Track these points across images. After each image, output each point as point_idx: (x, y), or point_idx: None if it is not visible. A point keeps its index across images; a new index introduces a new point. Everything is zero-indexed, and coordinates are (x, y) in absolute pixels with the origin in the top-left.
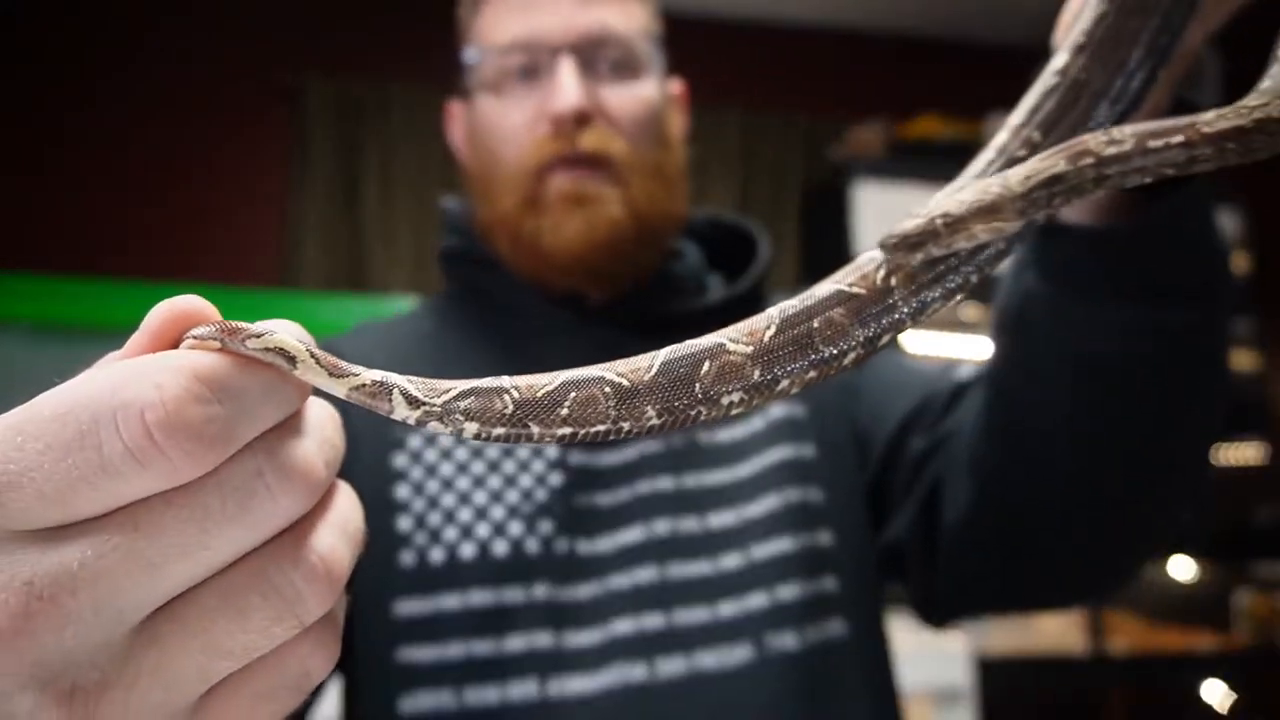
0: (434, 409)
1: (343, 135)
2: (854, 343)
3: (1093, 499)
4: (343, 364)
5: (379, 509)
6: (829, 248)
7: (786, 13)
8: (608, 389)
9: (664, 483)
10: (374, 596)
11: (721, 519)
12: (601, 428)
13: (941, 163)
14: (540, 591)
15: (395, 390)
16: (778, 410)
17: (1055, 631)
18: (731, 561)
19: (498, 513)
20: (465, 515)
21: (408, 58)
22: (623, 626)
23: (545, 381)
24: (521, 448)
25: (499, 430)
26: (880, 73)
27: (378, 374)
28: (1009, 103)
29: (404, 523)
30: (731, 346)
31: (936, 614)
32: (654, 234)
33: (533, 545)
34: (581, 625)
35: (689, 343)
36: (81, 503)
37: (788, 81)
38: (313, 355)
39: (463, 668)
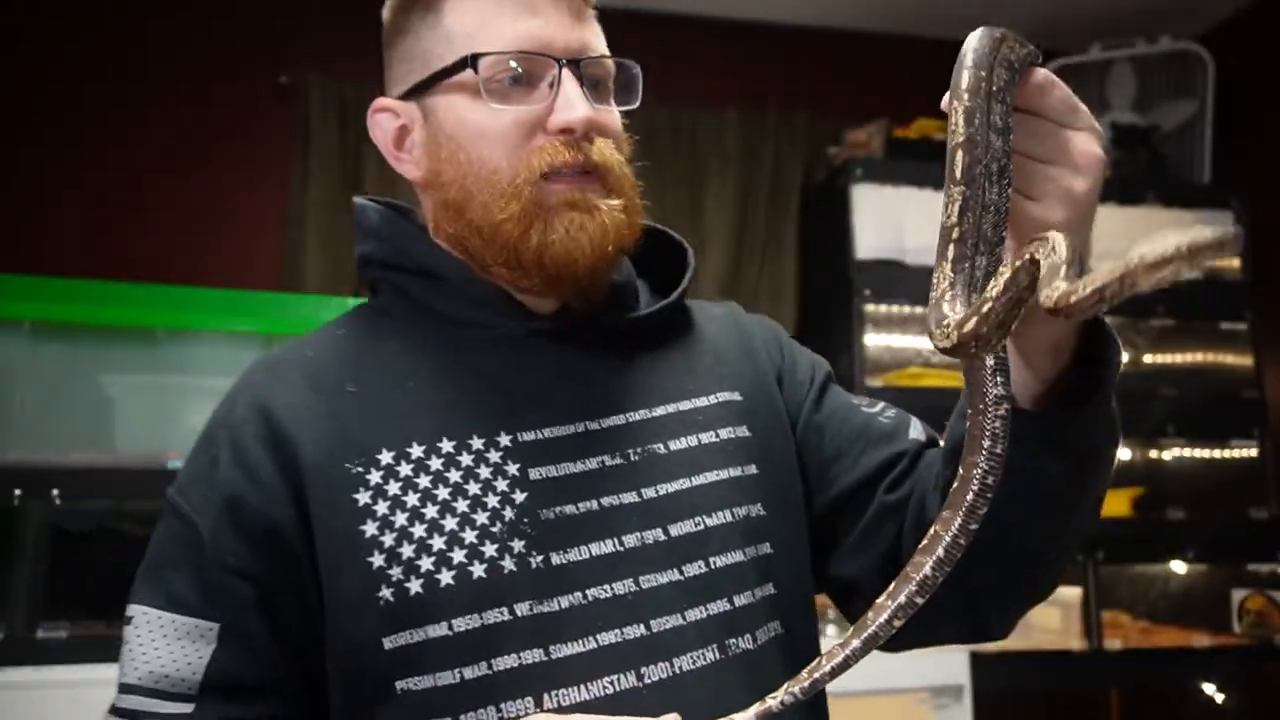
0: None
1: (343, 135)
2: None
3: (1027, 554)
4: None
5: (350, 548)
6: (828, 248)
7: (786, 13)
8: None
9: (628, 496)
10: (361, 634)
11: (682, 529)
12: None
13: (940, 163)
14: (523, 609)
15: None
16: (724, 431)
17: (1053, 631)
18: (694, 570)
19: (469, 536)
20: (438, 543)
21: None
22: (608, 637)
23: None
24: (481, 467)
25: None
26: (880, 73)
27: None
28: None
29: (377, 559)
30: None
31: (889, 645)
32: (627, 251)
33: (509, 564)
34: (568, 639)
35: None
36: None
37: (788, 81)
38: None
39: (459, 692)
